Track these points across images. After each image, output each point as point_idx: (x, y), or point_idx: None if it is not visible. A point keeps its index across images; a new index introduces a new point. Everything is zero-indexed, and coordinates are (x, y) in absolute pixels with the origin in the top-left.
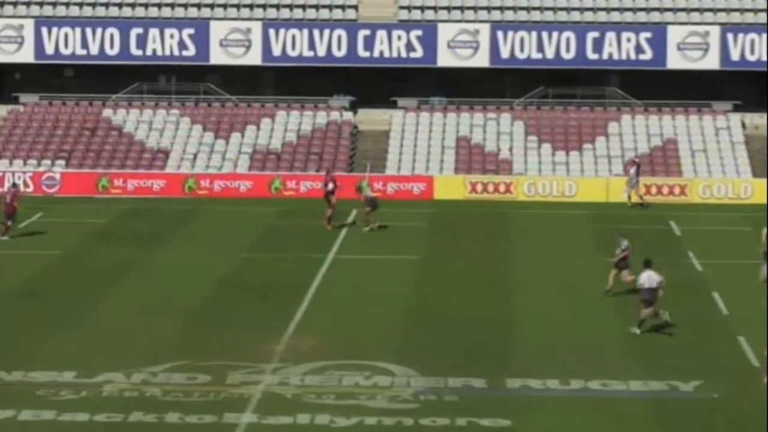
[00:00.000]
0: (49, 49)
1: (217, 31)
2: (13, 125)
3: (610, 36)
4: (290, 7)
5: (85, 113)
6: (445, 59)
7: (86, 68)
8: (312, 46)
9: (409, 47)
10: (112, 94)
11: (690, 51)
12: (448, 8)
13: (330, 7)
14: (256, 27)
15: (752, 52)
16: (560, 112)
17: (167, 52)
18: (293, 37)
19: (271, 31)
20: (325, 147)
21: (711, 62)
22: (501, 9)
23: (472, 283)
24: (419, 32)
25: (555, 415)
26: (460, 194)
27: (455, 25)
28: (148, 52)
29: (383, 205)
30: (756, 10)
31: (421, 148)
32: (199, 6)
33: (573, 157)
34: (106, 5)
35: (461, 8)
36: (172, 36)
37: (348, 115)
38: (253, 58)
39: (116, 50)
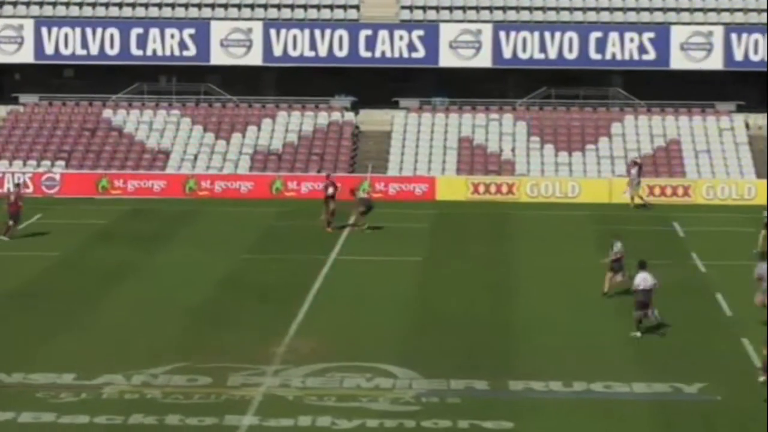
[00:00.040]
0: (49, 50)
1: (218, 31)
2: (12, 126)
3: (613, 36)
4: (291, 7)
5: (85, 114)
6: (447, 59)
7: (86, 68)
8: (313, 46)
9: (411, 47)
10: (112, 94)
11: (693, 51)
12: (450, 8)
13: (331, 7)
14: (257, 27)
15: (756, 52)
16: (563, 112)
17: (168, 53)
18: (294, 37)
19: (272, 31)
20: (326, 148)
21: (714, 62)
22: (503, 9)
23: (475, 284)
24: (421, 32)
25: (558, 418)
26: (462, 195)
27: (457, 25)
28: (149, 53)
29: (385, 206)
30: (760, 10)
31: (423, 149)
32: (199, 6)
33: (576, 158)
34: (106, 5)
35: (463, 8)
36: (172, 36)
37: (349, 116)
38: (254, 58)
39: (116, 50)
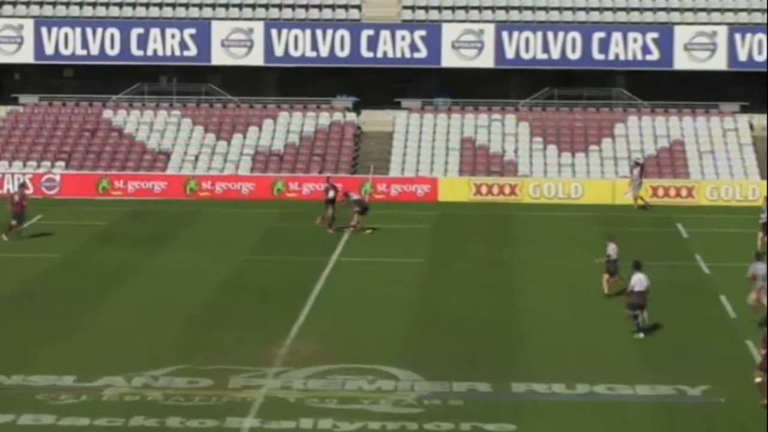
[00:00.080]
0: (49, 50)
1: (219, 31)
2: (12, 126)
3: (617, 36)
4: (293, 6)
5: (86, 114)
6: (450, 60)
7: (86, 69)
8: (315, 46)
9: (413, 47)
10: (112, 94)
11: (697, 51)
12: (453, 8)
13: (333, 7)
14: (258, 27)
15: (760, 52)
16: (566, 113)
17: (168, 53)
18: (296, 38)
19: (274, 32)
20: (327, 148)
21: (718, 63)
22: (506, 9)
23: (477, 286)
24: (423, 32)
25: (560, 420)
26: (464, 196)
27: (459, 26)
28: (149, 53)
29: (387, 207)
30: (763, 11)
31: (425, 150)
32: (200, 6)
33: (579, 159)
34: (107, 5)
35: (465, 8)
36: (173, 36)
37: (351, 116)
38: (255, 58)
39: (117, 50)
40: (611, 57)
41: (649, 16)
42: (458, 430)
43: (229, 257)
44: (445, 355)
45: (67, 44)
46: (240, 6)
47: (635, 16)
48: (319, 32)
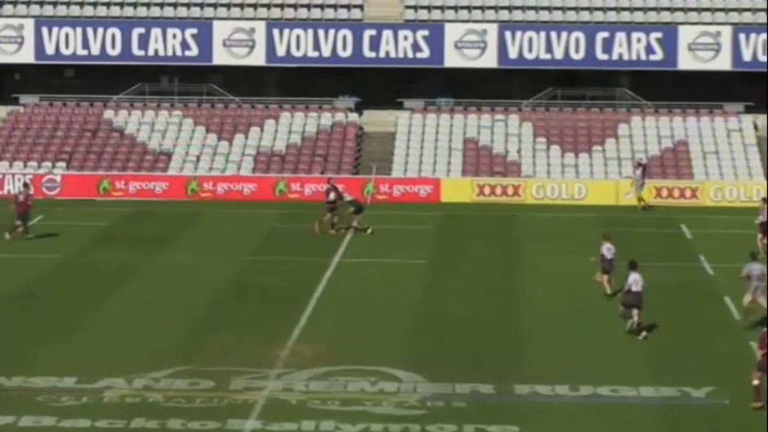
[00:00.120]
0: (50, 50)
1: (220, 31)
2: (12, 126)
3: (620, 36)
4: (295, 6)
5: (86, 114)
6: (452, 60)
7: (87, 69)
8: (317, 46)
9: (416, 47)
10: (113, 95)
11: (701, 51)
12: (455, 8)
13: (335, 7)
14: (260, 27)
15: (764, 52)
16: (569, 113)
17: (169, 53)
18: (297, 37)
19: (275, 31)
20: (330, 149)
21: (723, 63)
22: (509, 9)
23: (480, 287)
24: (426, 32)
25: (564, 422)
26: (467, 197)
27: (462, 25)
28: (150, 53)
29: (390, 207)
30: None
31: (427, 150)
32: (201, 5)
33: (582, 159)
34: (108, 5)
35: (468, 8)
36: (174, 36)
37: (353, 117)
38: (257, 58)
39: (118, 50)
40: (615, 57)
41: (652, 16)
42: None
43: (230, 258)
44: (448, 357)
45: (68, 44)
46: (242, 6)
47: (639, 16)
48: (321, 32)
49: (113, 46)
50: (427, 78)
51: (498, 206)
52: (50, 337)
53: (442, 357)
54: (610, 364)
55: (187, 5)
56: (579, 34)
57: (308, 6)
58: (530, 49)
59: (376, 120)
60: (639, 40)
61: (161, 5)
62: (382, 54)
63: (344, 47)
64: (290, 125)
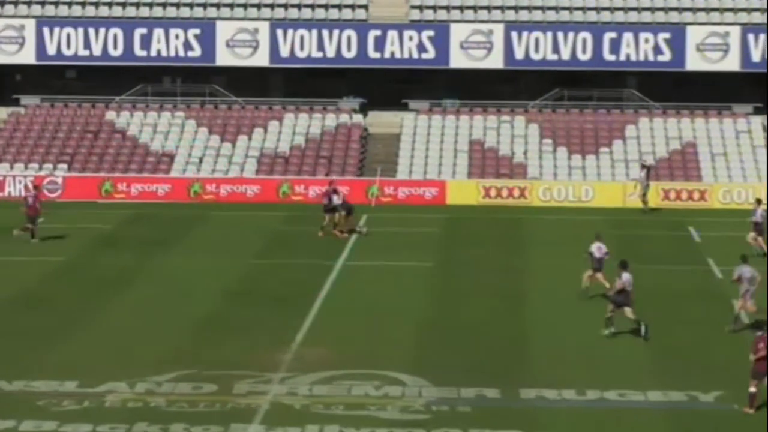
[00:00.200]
0: (51, 50)
1: (224, 31)
2: (13, 128)
3: (628, 36)
4: (299, 6)
5: (88, 116)
6: (458, 60)
7: (89, 69)
8: (321, 46)
9: (421, 48)
10: (115, 96)
11: (709, 52)
12: (461, 8)
13: (339, 7)
14: (264, 27)
15: None
16: (576, 114)
17: (172, 53)
18: (302, 38)
19: (279, 32)
20: (334, 150)
21: (731, 63)
22: (515, 9)
23: (486, 290)
24: (431, 33)
25: (571, 427)
26: (473, 199)
27: (468, 26)
28: (153, 53)
29: (395, 210)
30: None
31: (433, 152)
32: (204, 6)
33: (589, 161)
34: (110, 5)
35: (474, 8)
36: (177, 36)
37: (358, 118)
38: (261, 59)
39: (120, 51)
40: (622, 58)
41: (660, 16)
42: None
43: (233, 261)
44: (453, 361)
45: (70, 45)
46: (245, 6)
47: (647, 16)
48: (325, 32)
49: (115, 47)
50: (433, 79)
51: (504, 209)
52: (51, 340)
53: (447, 361)
54: (617, 368)
55: (190, 5)
56: (586, 35)
57: (312, 6)
58: (537, 50)
59: (380, 121)
60: (647, 41)
61: (164, 5)
62: (387, 55)
63: (349, 48)
64: (294, 126)
